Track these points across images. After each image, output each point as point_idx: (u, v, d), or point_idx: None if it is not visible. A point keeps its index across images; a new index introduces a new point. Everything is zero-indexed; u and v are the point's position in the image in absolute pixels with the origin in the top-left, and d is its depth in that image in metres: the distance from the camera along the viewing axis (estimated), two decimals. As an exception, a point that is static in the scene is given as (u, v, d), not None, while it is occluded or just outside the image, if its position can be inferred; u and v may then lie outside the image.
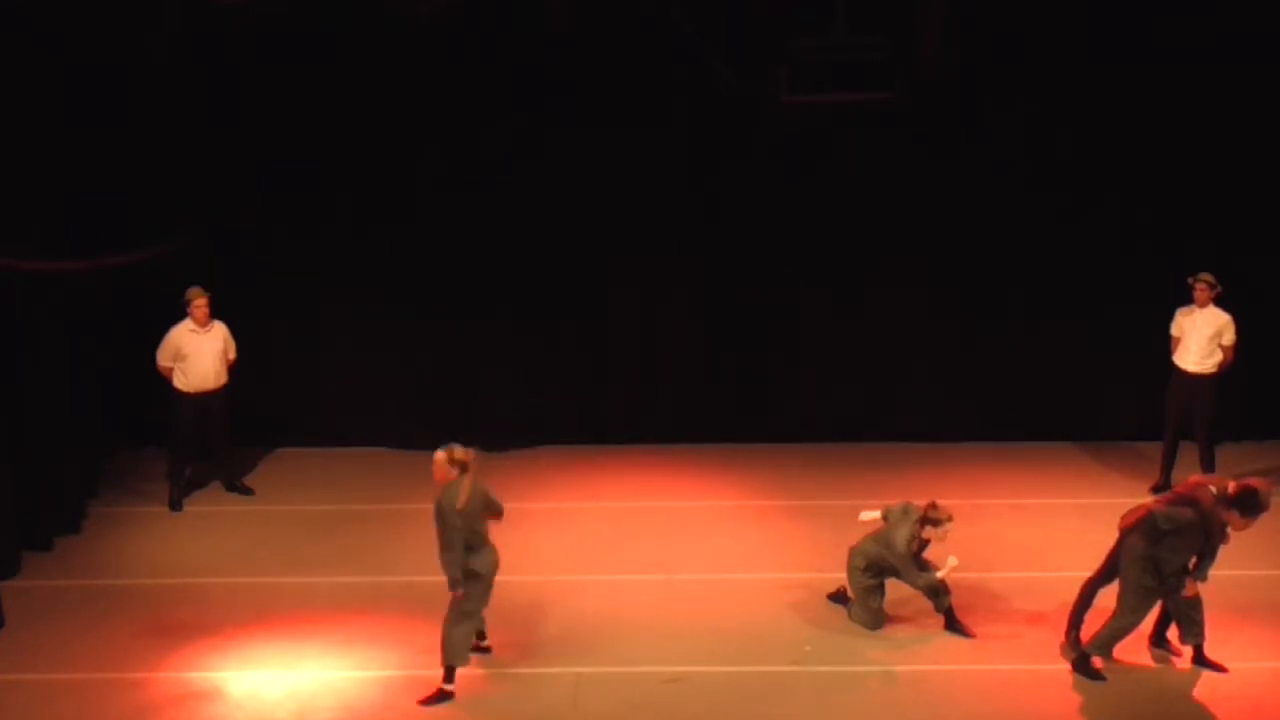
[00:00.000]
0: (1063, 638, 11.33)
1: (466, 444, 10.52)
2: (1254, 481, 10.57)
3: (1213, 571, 10.82)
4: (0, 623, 11.76)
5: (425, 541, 11.73)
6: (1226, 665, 10.99)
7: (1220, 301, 13.68)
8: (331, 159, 14.59)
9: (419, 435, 15.14)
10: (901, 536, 11.48)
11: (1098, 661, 10.98)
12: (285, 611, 11.97)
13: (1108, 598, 11.09)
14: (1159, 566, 10.73)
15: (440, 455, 10.47)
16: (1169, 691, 10.83)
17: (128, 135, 14.17)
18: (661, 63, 14.37)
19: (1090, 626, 11.15)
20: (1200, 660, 11.04)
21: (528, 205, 14.84)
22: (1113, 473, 14.61)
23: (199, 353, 13.76)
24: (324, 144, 14.53)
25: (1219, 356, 13.71)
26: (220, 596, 12.22)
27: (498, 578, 10.77)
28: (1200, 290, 13.66)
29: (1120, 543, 10.97)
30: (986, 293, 15.11)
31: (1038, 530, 13.32)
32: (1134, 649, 11.15)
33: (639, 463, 14.97)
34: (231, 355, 14.04)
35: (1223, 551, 10.77)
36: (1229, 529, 10.61)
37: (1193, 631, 10.96)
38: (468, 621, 10.71)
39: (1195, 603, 10.86)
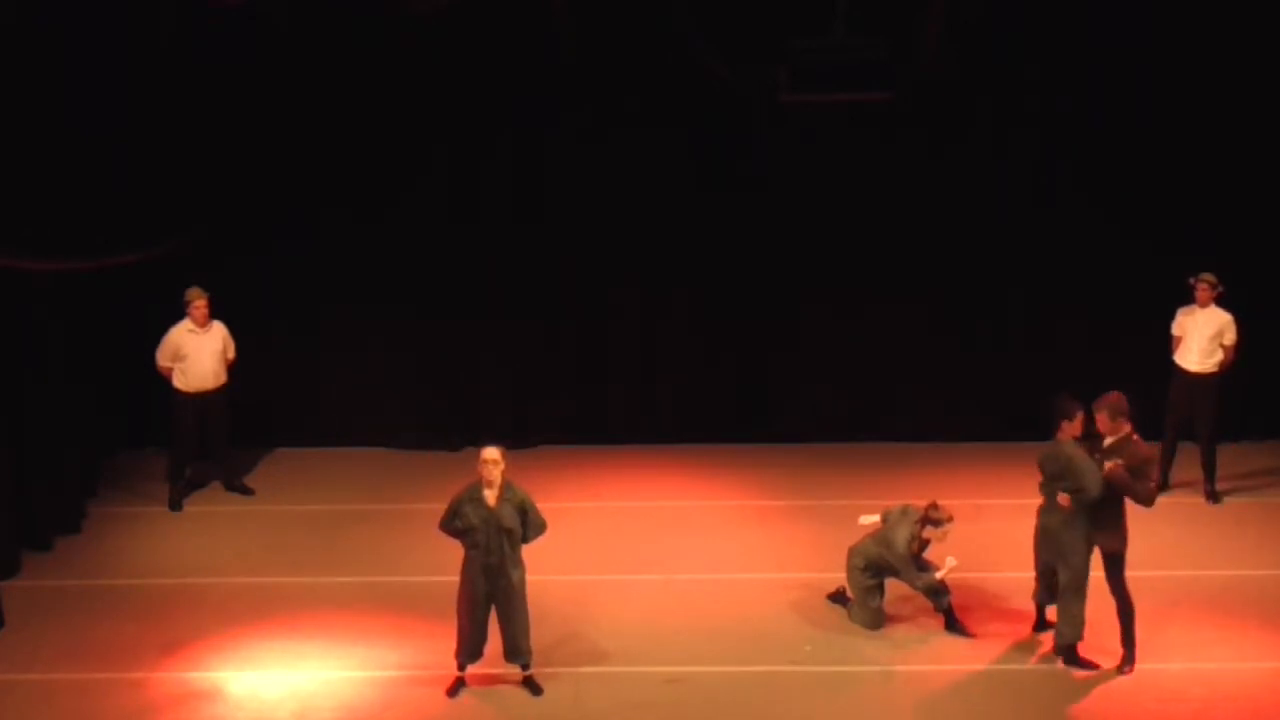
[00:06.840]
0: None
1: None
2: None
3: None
4: (0, 623, 11.76)
5: (425, 541, 11.74)
6: (1098, 663, 11.06)
7: (1222, 301, 13.68)
8: (331, 159, 14.57)
9: (418, 435, 15.22)
10: (901, 536, 11.47)
11: (1081, 649, 11.00)
12: (285, 611, 11.95)
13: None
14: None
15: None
16: (1169, 692, 10.80)
17: (128, 135, 14.17)
18: (661, 62, 14.35)
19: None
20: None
21: (527, 205, 14.84)
22: (1113, 473, 14.59)
23: (198, 353, 13.75)
24: (324, 144, 14.51)
25: (1220, 356, 13.69)
26: (220, 596, 12.21)
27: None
28: (1202, 290, 13.63)
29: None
30: (986, 294, 15.10)
31: (1038, 530, 13.30)
32: (1136, 649, 11.14)
33: (639, 463, 14.94)
34: (231, 355, 14.03)
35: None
36: None
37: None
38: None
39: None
